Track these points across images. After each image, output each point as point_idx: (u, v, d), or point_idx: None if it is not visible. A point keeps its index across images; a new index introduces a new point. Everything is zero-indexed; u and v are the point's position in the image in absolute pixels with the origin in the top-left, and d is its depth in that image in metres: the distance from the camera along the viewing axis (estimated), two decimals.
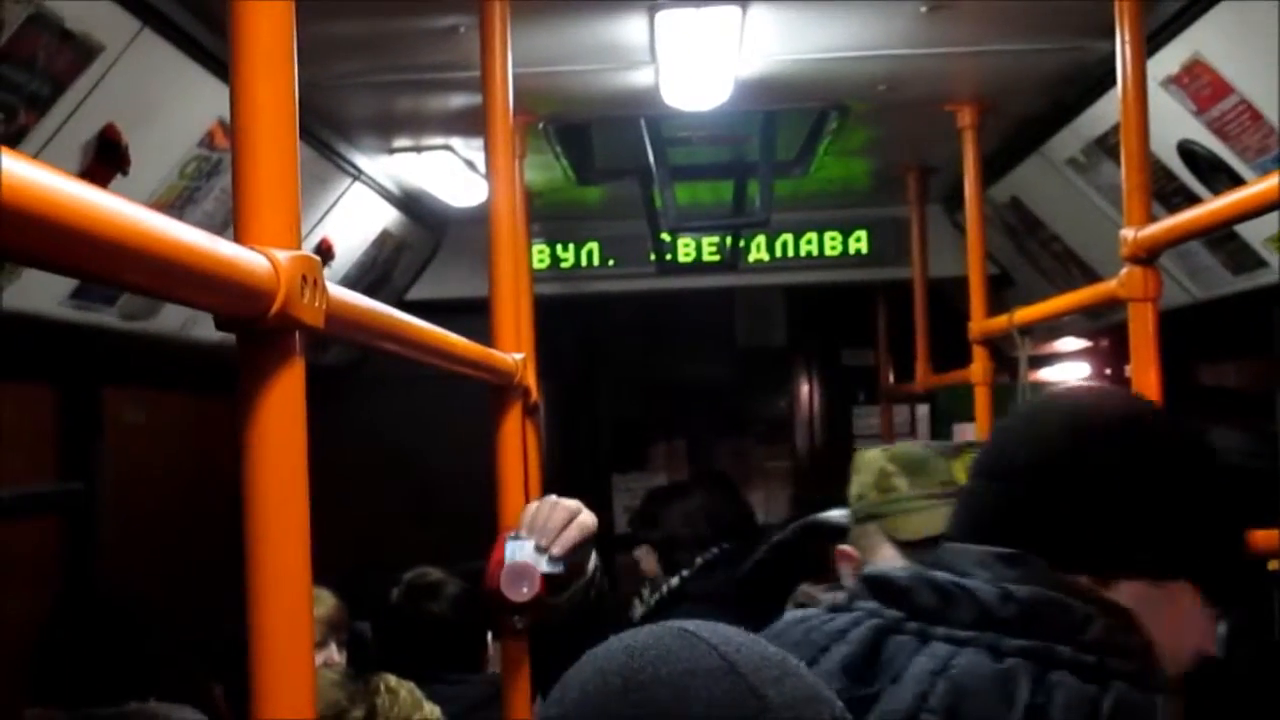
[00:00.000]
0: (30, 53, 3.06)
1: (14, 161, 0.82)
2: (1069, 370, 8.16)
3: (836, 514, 2.88)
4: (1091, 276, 5.35)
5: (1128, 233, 3.10)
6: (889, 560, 2.23)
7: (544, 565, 2.59)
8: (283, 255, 1.23)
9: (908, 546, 2.23)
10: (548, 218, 6.87)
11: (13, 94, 3.11)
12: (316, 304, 1.26)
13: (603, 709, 1.18)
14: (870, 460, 2.37)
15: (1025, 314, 4.37)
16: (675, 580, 4.71)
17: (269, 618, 1.23)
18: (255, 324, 1.21)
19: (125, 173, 3.61)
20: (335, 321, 1.34)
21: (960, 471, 2.29)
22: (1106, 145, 4.62)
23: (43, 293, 3.87)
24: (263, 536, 1.23)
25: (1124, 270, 3.11)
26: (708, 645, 1.20)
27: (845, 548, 2.33)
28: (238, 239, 1.25)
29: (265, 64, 1.29)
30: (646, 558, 4.84)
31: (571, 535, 2.58)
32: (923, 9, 3.96)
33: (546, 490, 4.07)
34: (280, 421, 1.23)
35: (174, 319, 4.73)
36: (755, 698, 1.16)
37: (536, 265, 6.86)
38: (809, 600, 3.06)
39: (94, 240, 0.91)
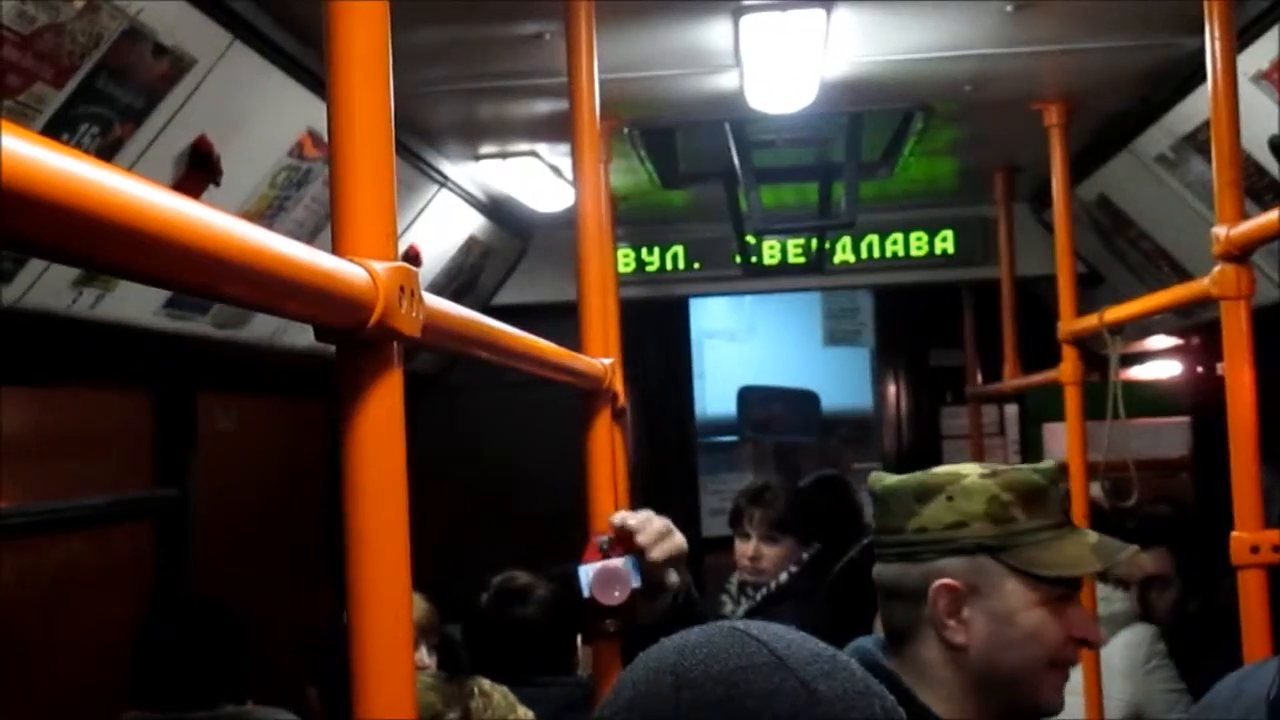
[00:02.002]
0: (125, 66, 3.11)
1: (126, 180, 0.84)
2: (1160, 369, 8.08)
3: None
4: (1182, 274, 5.30)
5: (1220, 230, 3.07)
6: (1015, 596, 2.11)
7: (634, 579, 2.61)
8: (381, 267, 1.24)
9: (1045, 583, 2.11)
10: (632, 222, 6.89)
11: (108, 107, 3.17)
12: (414, 314, 1.28)
13: (655, 708, 1.20)
14: (976, 487, 2.15)
15: (1116, 313, 4.33)
16: (784, 576, 4.76)
17: (370, 621, 1.25)
18: (355, 334, 1.23)
19: (218, 183, 3.67)
20: (432, 330, 1.36)
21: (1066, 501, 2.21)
22: (1196, 142, 4.57)
23: (138, 302, 3.93)
24: (364, 541, 1.25)
25: (1216, 268, 3.08)
26: (757, 642, 1.22)
27: (948, 581, 2.12)
28: (336, 251, 1.27)
29: (362, 76, 1.31)
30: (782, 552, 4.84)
31: (670, 545, 2.58)
32: (1009, 8, 3.94)
33: (634, 493, 4.09)
34: (380, 429, 1.25)
35: (264, 327, 4.79)
36: (806, 691, 1.18)
37: (621, 269, 6.88)
38: None
39: (201, 255, 0.93)
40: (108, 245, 0.84)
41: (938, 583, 2.12)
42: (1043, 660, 2.12)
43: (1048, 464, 2.25)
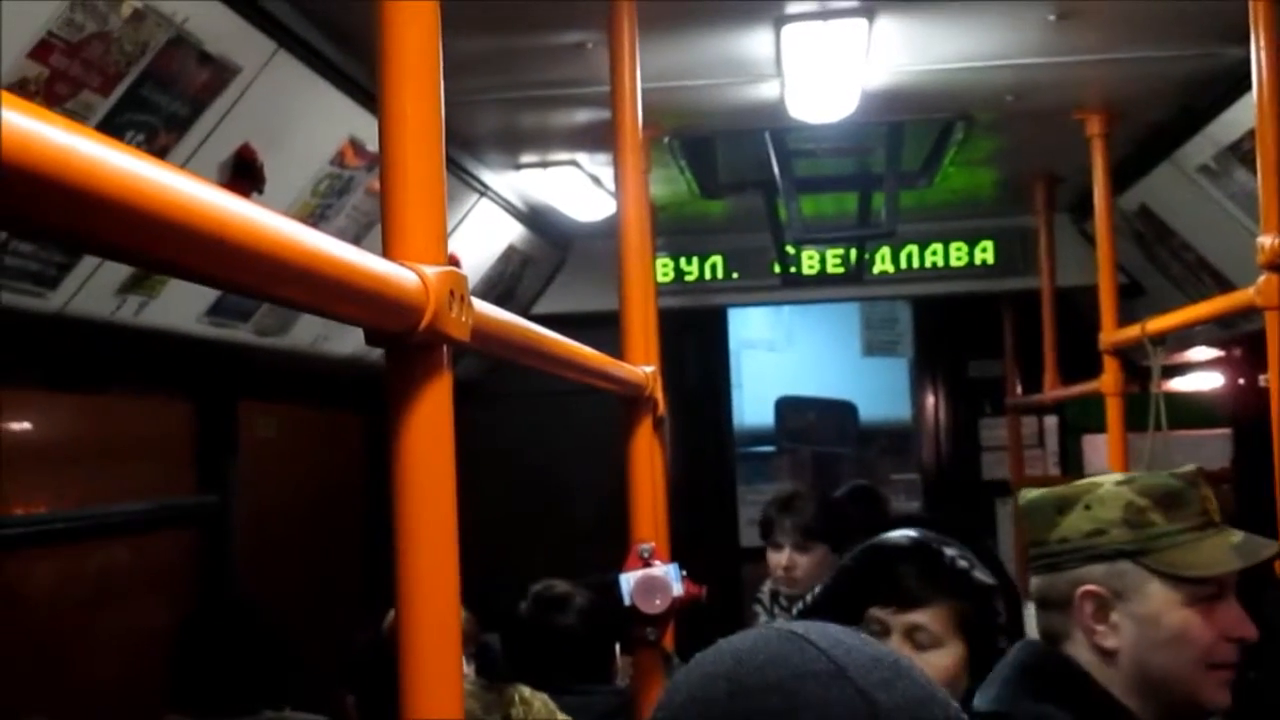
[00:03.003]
0: (171, 74, 3.14)
1: (188, 181, 0.84)
2: (1200, 380, 8.04)
3: (899, 535, 2.87)
4: (1225, 285, 5.27)
5: (1264, 240, 3.06)
6: (1158, 598, 2.17)
7: (675, 588, 2.62)
8: (431, 271, 1.25)
9: (1187, 584, 2.16)
10: (671, 231, 6.89)
11: (153, 115, 3.19)
12: (463, 318, 1.29)
13: (708, 714, 1.17)
14: (1111, 494, 2.23)
15: (1158, 323, 4.32)
16: (818, 589, 4.67)
17: (419, 624, 1.25)
18: (405, 338, 1.23)
19: (261, 191, 3.68)
20: (479, 335, 1.36)
21: (1211, 501, 2.23)
22: (1240, 151, 4.55)
23: (181, 309, 3.95)
24: (413, 544, 1.25)
25: (1260, 278, 3.07)
26: (816, 649, 1.19)
27: (1091, 587, 2.19)
28: (387, 255, 1.27)
29: (413, 82, 1.31)
30: (816, 560, 4.74)
31: None
32: (1051, 17, 3.93)
33: (672, 503, 4.08)
34: (429, 432, 1.26)
35: (305, 334, 4.81)
36: (865, 702, 1.15)
37: (660, 279, 6.88)
38: (880, 625, 3.03)
39: (258, 257, 0.94)
40: (167, 245, 0.85)
41: (1081, 589, 2.20)
42: (1196, 660, 2.17)
43: (1187, 467, 2.29)
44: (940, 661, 2.68)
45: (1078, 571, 2.22)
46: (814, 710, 1.14)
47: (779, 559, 4.76)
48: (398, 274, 1.20)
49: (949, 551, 2.91)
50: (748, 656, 1.20)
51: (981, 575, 2.97)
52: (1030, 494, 2.35)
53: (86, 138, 0.74)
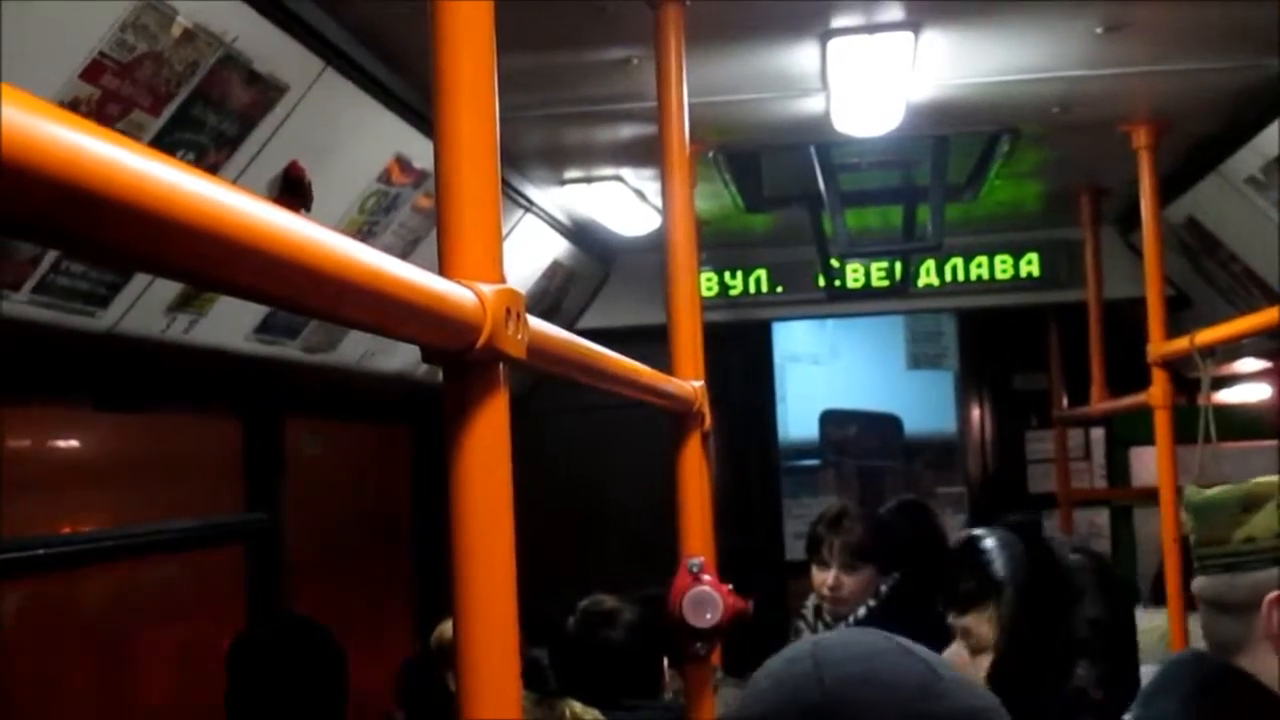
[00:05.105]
0: (220, 94, 3.16)
1: (256, 204, 0.85)
2: (1248, 392, 7.99)
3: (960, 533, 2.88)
4: (1272, 297, 5.24)
5: None
6: None
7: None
8: (488, 289, 1.25)
9: None
10: (716, 246, 6.88)
11: (203, 134, 3.21)
12: (520, 336, 1.29)
13: (800, 685, 1.33)
14: (1269, 497, 2.12)
15: (1207, 335, 4.29)
16: (862, 610, 4.64)
17: (477, 640, 1.26)
18: (463, 356, 1.24)
19: (309, 209, 3.70)
20: (535, 352, 1.37)
21: None
22: None
23: (230, 327, 3.97)
24: (471, 561, 1.26)
25: None
26: (883, 636, 1.39)
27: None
28: (444, 273, 1.28)
29: (468, 105, 1.32)
30: (863, 581, 4.70)
31: None
32: (1098, 29, 3.91)
33: (718, 517, 4.08)
34: (487, 449, 1.26)
35: (352, 351, 4.82)
36: (934, 674, 1.33)
37: (705, 293, 6.87)
38: (949, 628, 3.04)
39: (323, 278, 0.95)
40: (233, 268, 0.85)
41: (1272, 594, 2.06)
42: None
43: None
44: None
45: (1265, 574, 2.07)
46: (891, 676, 1.32)
47: (824, 578, 4.69)
48: (455, 293, 1.21)
49: (986, 544, 2.92)
50: (825, 640, 1.40)
51: (997, 570, 2.96)
52: (1205, 492, 2.21)
53: (161, 161, 0.75)
